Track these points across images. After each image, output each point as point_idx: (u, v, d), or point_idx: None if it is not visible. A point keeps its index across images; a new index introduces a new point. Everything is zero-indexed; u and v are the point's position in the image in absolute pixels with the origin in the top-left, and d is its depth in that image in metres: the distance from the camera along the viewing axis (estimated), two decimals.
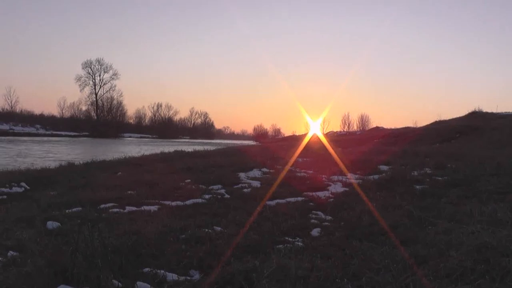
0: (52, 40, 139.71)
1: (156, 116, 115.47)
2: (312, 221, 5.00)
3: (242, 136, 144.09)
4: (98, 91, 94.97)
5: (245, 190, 7.39)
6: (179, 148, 20.21)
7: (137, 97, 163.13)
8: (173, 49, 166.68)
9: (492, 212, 4.48)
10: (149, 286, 2.87)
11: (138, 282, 2.87)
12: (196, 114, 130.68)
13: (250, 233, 4.24)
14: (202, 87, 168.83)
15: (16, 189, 8.19)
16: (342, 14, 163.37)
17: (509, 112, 32.33)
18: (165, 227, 4.50)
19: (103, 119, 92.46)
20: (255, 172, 9.80)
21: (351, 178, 8.88)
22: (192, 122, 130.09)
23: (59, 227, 4.70)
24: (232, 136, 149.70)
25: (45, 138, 59.80)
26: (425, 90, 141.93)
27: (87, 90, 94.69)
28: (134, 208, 5.80)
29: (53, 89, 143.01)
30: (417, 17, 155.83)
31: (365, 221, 4.71)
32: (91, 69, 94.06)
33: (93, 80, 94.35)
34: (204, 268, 3.28)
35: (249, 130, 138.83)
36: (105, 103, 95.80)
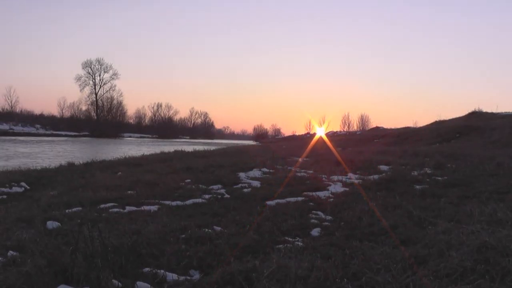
0: (52, 40, 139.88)
1: (156, 116, 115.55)
2: (312, 221, 4.99)
3: (242, 136, 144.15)
4: (98, 91, 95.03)
5: (245, 190, 7.39)
6: (179, 148, 20.22)
7: (137, 97, 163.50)
8: (173, 49, 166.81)
9: (492, 212, 4.47)
10: (149, 286, 2.87)
11: (138, 282, 2.87)
12: (196, 114, 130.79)
13: (250, 233, 4.24)
14: (202, 87, 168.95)
15: (16, 189, 8.19)
16: (343, 14, 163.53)
17: (509, 112, 32.31)
18: (165, 227, 4.50)
19: (103, 119, 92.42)
20: (255, 172, 9.80)
21: (351, 178, 8.88)
22: (192, 122, 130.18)
23: (59, 227, 4.70)
24: (232, 136, 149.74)
25: (46, 138, 59.76)
26: (425, 90, 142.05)
27: (87, 90, 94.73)
28: (134, 208, 5.79)
29: (53, 89, 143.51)
30: (417, 17, 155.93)
31: (365, 221, 4.70)
32: (91, 69, 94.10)
33: (93, 80, 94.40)
34: (204, 268, 3.28)
35: (249, 130, 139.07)
36: (105, 103, 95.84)
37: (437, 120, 37.21)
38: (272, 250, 3.63)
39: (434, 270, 2.80)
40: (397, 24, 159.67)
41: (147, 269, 3.19)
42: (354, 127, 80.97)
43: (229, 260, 3.28)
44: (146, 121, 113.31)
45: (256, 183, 8.13)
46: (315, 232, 4.49)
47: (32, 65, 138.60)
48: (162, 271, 3.11)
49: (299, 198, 6.50)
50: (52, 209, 5.84)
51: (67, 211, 5.63)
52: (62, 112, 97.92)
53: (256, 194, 6.82)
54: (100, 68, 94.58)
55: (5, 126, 73.62)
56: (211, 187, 7.70)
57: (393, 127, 47.00)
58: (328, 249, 3.68)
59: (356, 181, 8.24)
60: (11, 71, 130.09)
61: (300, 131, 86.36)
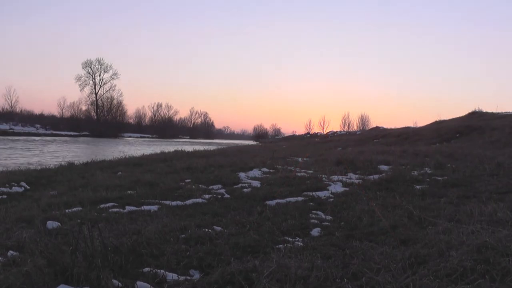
0: (52, 40, 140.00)
1: (156, 116, 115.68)
2: (312, 221, 4.99)
3: (242, 136, 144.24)
4: (98, 91, 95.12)
5: (245, 190, 7.39)
6: (179, 148, 20.23)
7: (137, 97, 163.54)
8: (173, 49, 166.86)
9: (492, 212, 4.48)
10: (149, 286, 2.86)
11: (138, 282, 2.87)
12: (196, 114, 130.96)
13: (250, 233, 4.24)
14: (202, 87, 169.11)
15: (16, 189, 8.18)
16: (343, 14, 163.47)
17: (509, 112, 32.26)
18: (165, 227, 4.49)
19: (103, 119, 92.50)
20: (255, 172, 9.80)
21: (351, 178, 8.88)
22: (192, 122, 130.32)
23: (59, 227, 4.69)
24: (232, 136, 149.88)
25: (47, 138, 59.71)
26: (425, 90, 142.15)
27: (87, 90, 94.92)
28: (134, 208, 5.79)
29: (53, 89, 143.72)
30: (417, 17, 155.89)
31: (365, 221, 4.70)
32: (91, 69, 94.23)
33: (93, 80, 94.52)
34: (204, 268, 3.28)
35: (249, 130, 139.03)
36: (105, 103, 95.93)
37: (437, 120, 37.16)
38: (272, 250, 3.63)
39: (434, 270, 2.80)
40: (397, 24, 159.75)
41: (147, 269, 3.19)
42: (354, 127, 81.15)
43: (229, 260, 3.28)
44: (146, 121, 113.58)
45: (256, 183, 8.13)
46: (315, 232, 4.48)
47: (32, 65, 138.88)
48: (162, 271, 3.11)
49: (299, 198, 6.50)
50: (52, 209, 5.83)
51: (67, 211, 5.62)
52: (62, 112, 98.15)
53: (256, 194, 6.82)
54: (100, 68, 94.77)
55: (5, 126, 73.68)
56: (211, 187, 7.70)
57: (393, 127, 46.95)
58: (328, 249, 3.67)
59: (356, 181, 8.24)
60: (11, 71, 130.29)
61: (300, 131, 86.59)
